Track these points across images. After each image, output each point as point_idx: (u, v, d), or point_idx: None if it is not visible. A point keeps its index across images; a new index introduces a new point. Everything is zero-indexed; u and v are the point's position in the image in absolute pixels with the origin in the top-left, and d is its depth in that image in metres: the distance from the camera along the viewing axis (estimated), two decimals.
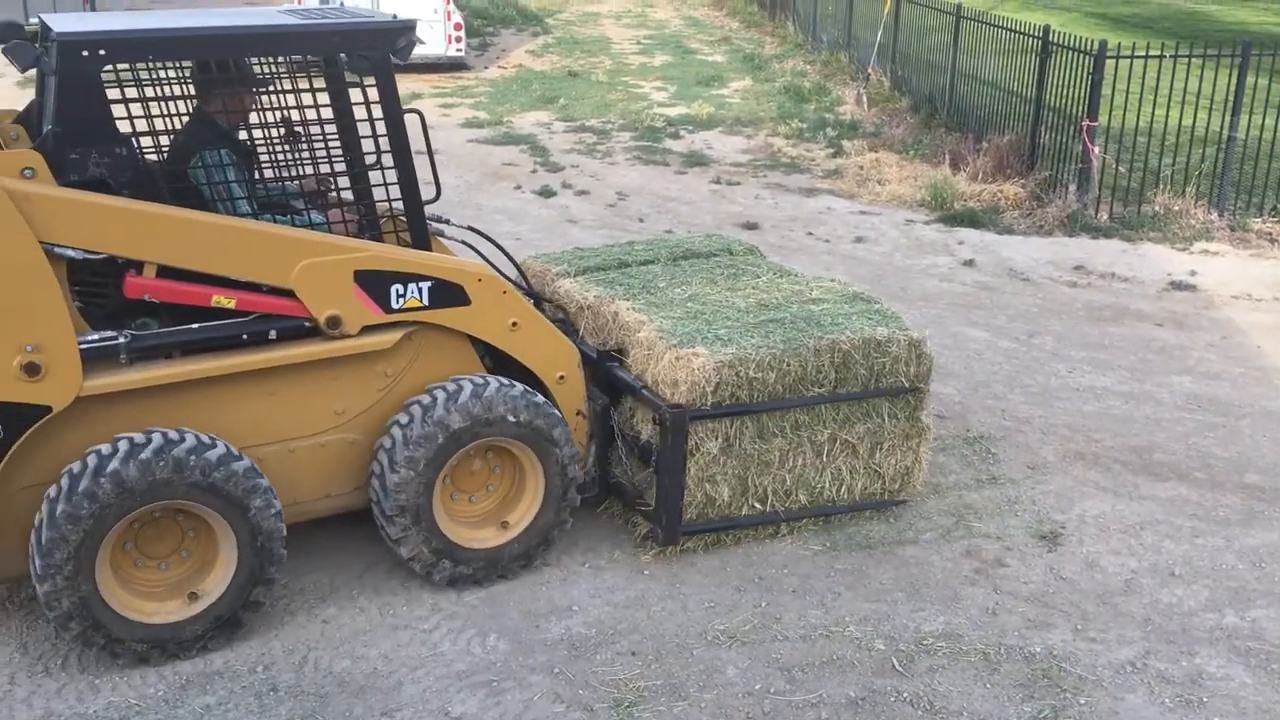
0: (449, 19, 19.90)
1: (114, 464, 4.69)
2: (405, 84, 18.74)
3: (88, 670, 4.94)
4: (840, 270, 10.32)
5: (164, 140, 5.32)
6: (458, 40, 20.06)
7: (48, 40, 4.93)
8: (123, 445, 4.76)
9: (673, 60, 22.46)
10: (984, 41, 14.07)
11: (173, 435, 4.84)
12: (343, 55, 5.44)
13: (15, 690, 4.83)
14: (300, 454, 5.33)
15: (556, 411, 5.59)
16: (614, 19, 29.10)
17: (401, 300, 5.28)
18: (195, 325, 5.04)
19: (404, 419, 5.32)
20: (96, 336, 4.86)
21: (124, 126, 5.06)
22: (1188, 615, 5.55)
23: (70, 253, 4.75)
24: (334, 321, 5.18)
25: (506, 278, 6.20)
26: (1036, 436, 7.32)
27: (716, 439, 5.74)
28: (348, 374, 5.34)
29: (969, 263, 10.77)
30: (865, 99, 17.21)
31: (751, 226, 11.59)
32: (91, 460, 4.72)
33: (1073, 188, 11.98)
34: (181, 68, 5.60)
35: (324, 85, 5.52)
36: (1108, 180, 12.09)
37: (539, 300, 6.48)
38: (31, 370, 4.67)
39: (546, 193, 12.73)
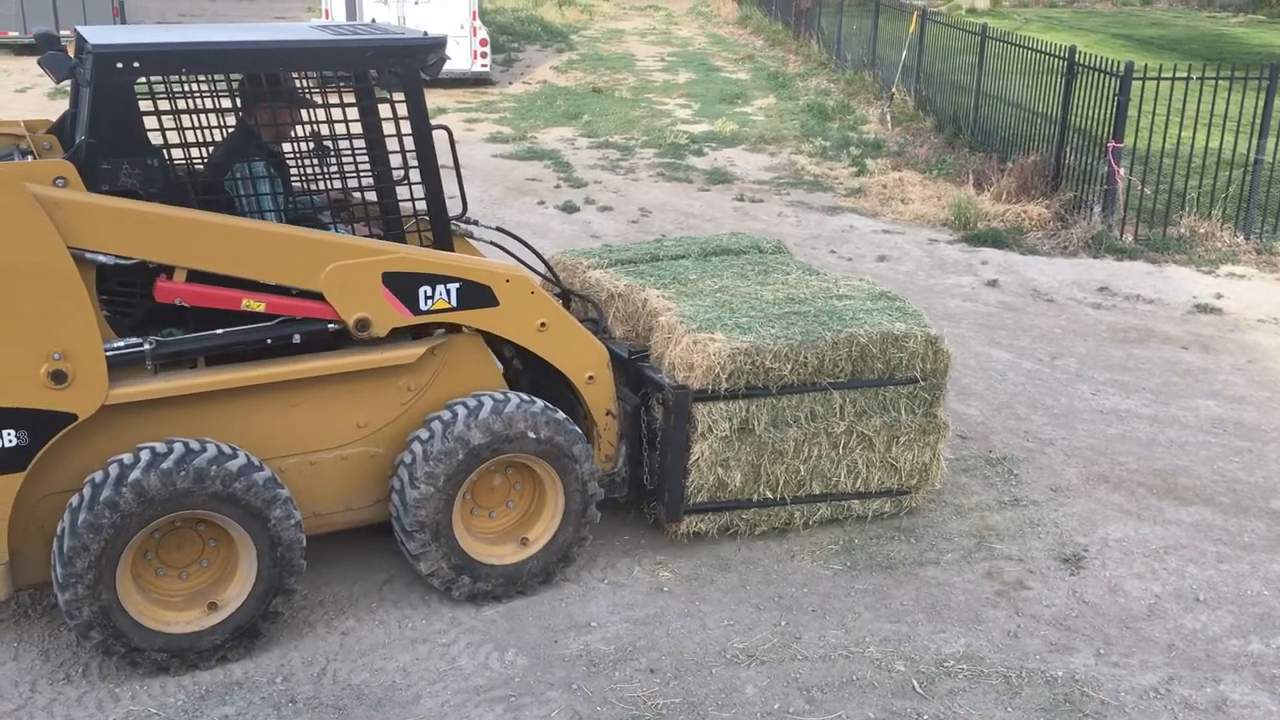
0: (474, 34, 20.05)
1: (135, 473, 4.72)
2: (430, 99, 18.80)
3: (108, 679, 4.96)
4: None
5: (198, 152, 5.36)
6: (483, 56, 20.19)
7: (84, 52, 4.98)
8: (144, 455, 4.79)
9: (697, 78, 22.52)
10: (1009, 62, 14.04)
11: (194, 445, 4.87)
12: (373, 71, 5.47)
13: (36, 698, 4.85)
14: (321, 466, 5.35)
15: (577, 428, 5.59)
16: (638, 36, 29.22)
17: (430, 302, 5.29)
18: (220, 331, 5.07)
19: (424, 434, 5.33)
20: (122, 343, 4.89)
21: (162, 137, 5.12)
22: (1212, 641, 5.49)
23: (101, 258, 4.78)
24: (363, 324, 5.18)
25: (537, 274, 6.23)
26: (1060, 458, 7.28)
27: (728, 423, 5.79)
28: (370, 387, 5.35)
29: (992, 283, 10.73)
30: (889, 118, 17.21)
31: None
32: (113, 469, 4.75)
33: (1098, 209, 11.93)
34: (215, 81, 5.65)
35: (355, 100, 5.56)
36: (1133, 202, 12.04)
37: (568, 297, 6.49)
38: (58, 378, 4.71)
39: (570, 208, 12.77)
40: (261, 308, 5.06)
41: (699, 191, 13.82)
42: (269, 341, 5.13)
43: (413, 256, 5.26)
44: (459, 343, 5.51)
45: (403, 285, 5.22)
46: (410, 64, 5.25)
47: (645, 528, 6.19)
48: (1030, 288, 10.64)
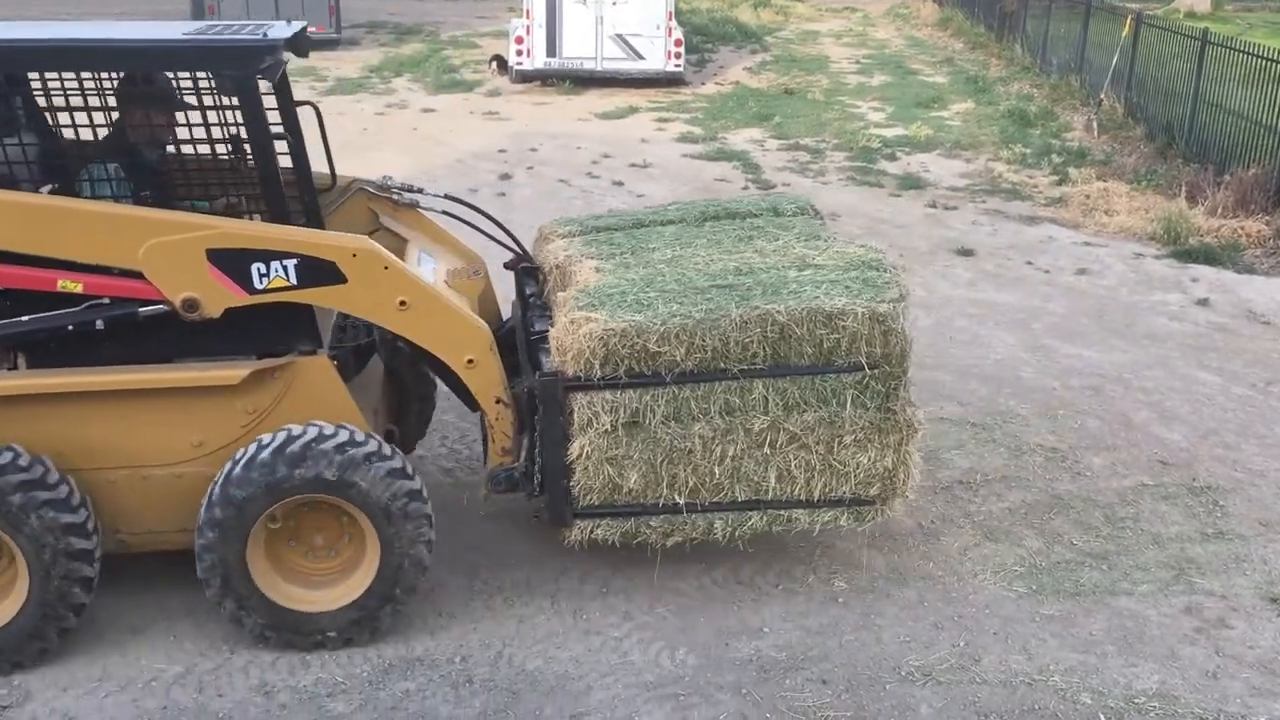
0: (670, 35, 20.17)
1: None
2: (623, 98, 19.23)
3: (300, 645, 5.20)
4: (1059, 303, 9.91)
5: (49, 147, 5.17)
6: (677, 56, 20.29)
7: None
8: None
9: (892, 80, 22.09)
10: (1231, 68, 13.24)
11: None
12: (208, 73, 5.21)
13: (234, 659, 5.13)
14: (154, 483, 5.12)
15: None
16: (834, 38, 28.86)
17: (265, 280, 4.92)
18: (25, 318, 4.89)
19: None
20: None
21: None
22: None
23: None
24: (190, 304, 4.89)
25: (506, 247, 6.03)
26: (1271, 491, 6.81)
27: (610, 415, 5.10)
28: (206, 406, 5.07)
29: (1203, 302, 10.13)
30: (1096, 125, 16.48)
31: (966, 253, 11.26)
32: None
33: None
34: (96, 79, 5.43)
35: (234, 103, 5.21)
36: None
37: (536, 271, 6.11)
38: None
39: None
40: (79, 288, 4.83)
41: (890, 197, 13.55)
42: (70, 328, 4.91)
43: (239, 231, 4.91)
44: (304, 366, 5.15)
45: (232, 262, 4.87)
46: (243, 67, 4.88)
47: (820, 535, 6.11)
48: (1245, 309, 10.00)
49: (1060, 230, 12.29)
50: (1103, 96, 17.22)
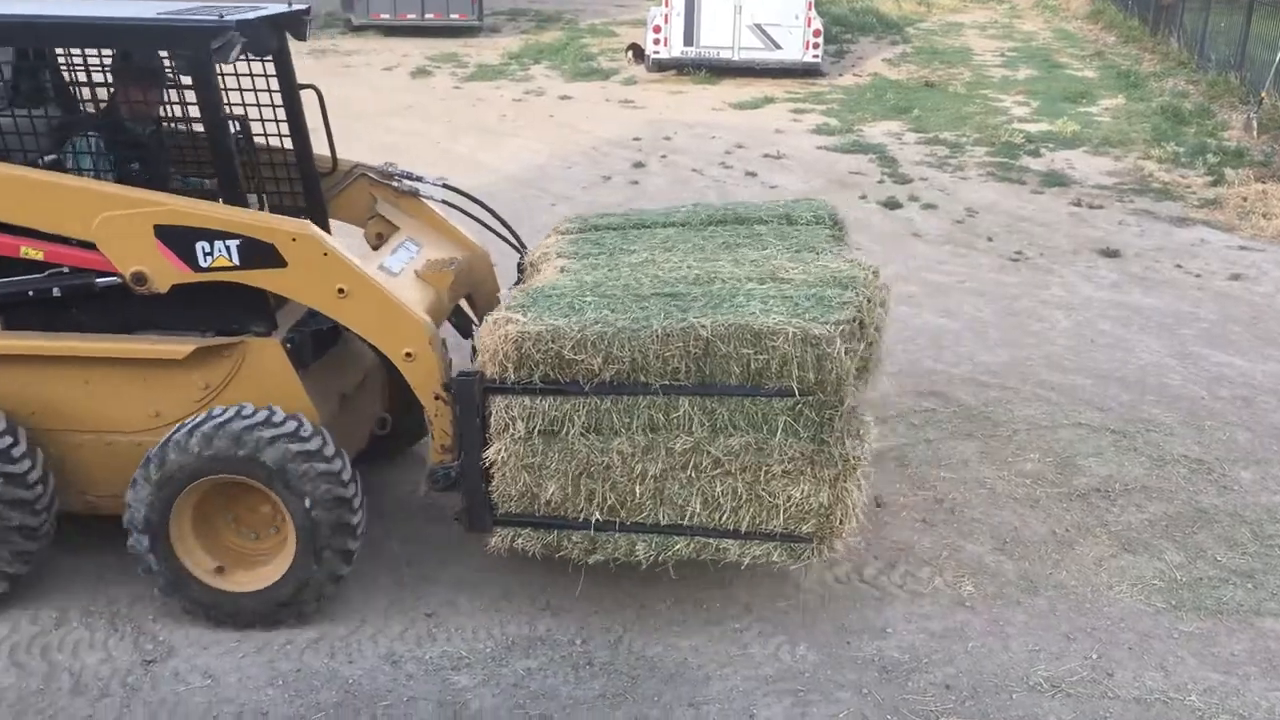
0: (809, 25, 19.97)
1: None
2: (759, 88, 19.14)
3: (426, 619, 5.34)
4: (1210, 309, 9.50)
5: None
6: (815, 46, 20.09)
7: None
8: None
9: (1038, 74, 21.46)
10: None
11: None
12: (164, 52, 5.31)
13: (364, 628, 5.28)
14: (118, 449, 5.27)
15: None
16: (978, 30, 28.18)
17: (210, 259, 5.00)
18: None
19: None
20: None
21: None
22: None
23: None
24: (139, 278, 5.02)
25: (504, 240, 5.99)
26: None
27: (524, 422, 4.90)
28: (163, 378, 5.21)
29: None
30: (1256, 124, 15.72)
31: (1112, 254, 10.88)
32: None
33: None
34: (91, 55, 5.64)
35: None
36: None
37: (527, 265, 6.04)
38: None
39: (891, 204, 12.50)
40: (40, 256, 5.03)
41: (1031, 194, 13.17)
42: (30, 294, 5.08)
43: (185, 209, 4.99)
44: (254, 347, 5.21)
45: (178, 240, 4.96)
46: (194, 47, 4.92)
47: (948, 537, 5.99)
48: None
49: (1213, 233, 11.78)
50: (1264, 95, 16.43)
